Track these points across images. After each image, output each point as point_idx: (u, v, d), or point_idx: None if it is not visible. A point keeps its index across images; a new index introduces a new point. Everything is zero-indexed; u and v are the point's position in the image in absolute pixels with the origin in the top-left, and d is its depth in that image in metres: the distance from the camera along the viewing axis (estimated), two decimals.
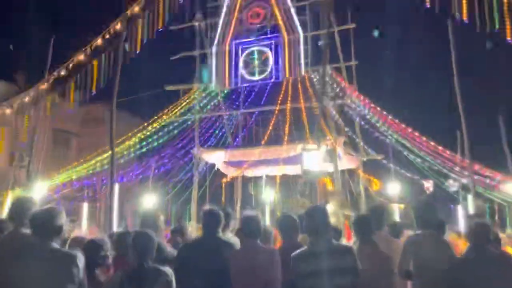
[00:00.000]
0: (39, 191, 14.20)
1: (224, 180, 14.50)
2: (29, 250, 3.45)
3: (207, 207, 4.68)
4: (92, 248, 4.35)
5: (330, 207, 8.81)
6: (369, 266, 4.05)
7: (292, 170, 13.55)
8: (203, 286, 4.03)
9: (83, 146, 24.18)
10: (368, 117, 13.07)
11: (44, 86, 16.35)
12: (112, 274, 4.51)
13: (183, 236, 5.74)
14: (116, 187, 8.66)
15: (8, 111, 17.02)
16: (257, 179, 18.25)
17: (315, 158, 8.93)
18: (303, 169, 9.15)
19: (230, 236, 5.21)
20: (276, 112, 13.28)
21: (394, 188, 16.93)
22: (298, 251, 3.87)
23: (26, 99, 15.80)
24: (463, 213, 10.73)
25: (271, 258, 4.11)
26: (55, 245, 3.45)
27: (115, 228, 8.38)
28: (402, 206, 14.80)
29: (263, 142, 12.79)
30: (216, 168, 15.51)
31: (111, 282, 4.02)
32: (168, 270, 3.77)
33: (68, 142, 27.11)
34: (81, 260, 3.46)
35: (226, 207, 5.45)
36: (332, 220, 4.55)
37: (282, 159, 12.32)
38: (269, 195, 17.42)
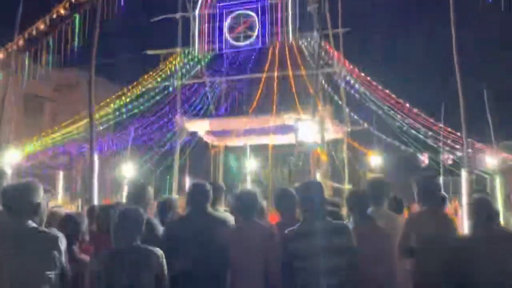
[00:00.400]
0: (10, 160, 13.50)
1: (213, 151, 14.07)
2: (0, 231, 2.99)
3: (194, 180, 4.30)
4: (69, 223, 3.93)
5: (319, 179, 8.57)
6: (368, 245, 3.76)
7: (283, 140, 13.18)
8: (195, 269, 3.65)
9: (57, 112, 23.22)
10: (356, 86, 12.71)
11: (14, 46, 15.35)
12: (91, 253, 4.12)
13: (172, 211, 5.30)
14: (96, 157, 8.12)
15: None
16: (239, 149, 17.88)
17: (310, 129, 8.48)
18: (297, 140, 8.62)
19: (221, 211, 4.84)
20: (263, 80, 12.76)
21: (376, 159, 16.87)
22: (290, 229, 3.62)
23: None
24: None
25: (271, 237, 3.77)
26: (32, 224, 2.99)
27: (95, 201, 7.90)
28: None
29: (250, 111, 12.31)
30: (197, 138, 15.03)
31: (94, 263, 3.62)
32: (158, 251, 3.38)
33: (41, 108, 26.04)
34: (62, 242, 3.02)
35: (216, 180, 5.00)
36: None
37: (272, 128, 11.91)
38: (251, 167, 17.14)
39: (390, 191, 5.06)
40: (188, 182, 16.12)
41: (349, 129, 14.93)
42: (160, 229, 4.08)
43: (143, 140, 14.11)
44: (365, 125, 13.68)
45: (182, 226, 4.01)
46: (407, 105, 11.44)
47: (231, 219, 4.45)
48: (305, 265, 3.52)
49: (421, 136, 12.36)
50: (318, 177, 8.84)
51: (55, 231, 3.09)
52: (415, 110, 11.42)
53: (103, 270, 3.30)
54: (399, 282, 4.68)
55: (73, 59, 14.14)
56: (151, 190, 4.58)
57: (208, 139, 15.54)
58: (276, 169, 14.23)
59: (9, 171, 4.15)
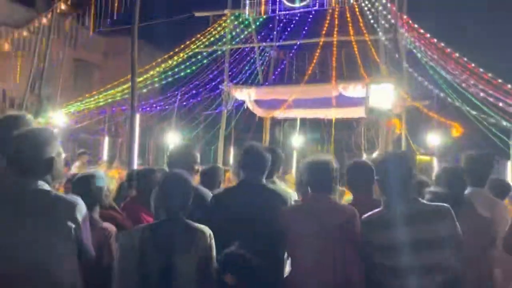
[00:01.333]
0: (58, 123, 13.37)
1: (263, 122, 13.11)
2: (2, 192, 2.30)
3: (248, 143, 3.49)
4: (87, 184, 3.10)
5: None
6: (464, 234, 2.87)
7: (344, 113, 12.06)
8: (247, 251, 2.86)
9: (106, 79, 23.21)
10: (419, 55, 11.31)
11: (62, 8, 15.09)
12: (124, 224, 3.44)
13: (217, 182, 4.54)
14: (137, 118, 7.50)
15: (25, 34, 15.93)
16: (290, 123, 16.98)
17: (385, 93, 7.15)
18: (367, 107, 7.29)
19: (279, 184, 4.02)
20: (320, 45, 11.62)
21: (433, 139, 15.43)
22: (370, 213, 2.88)
23: (44, 21, 14.59)
24: None
25: (352, 221, 2.92)
26: (44, 185, 2.29)
27: (135, 165, 7.31)
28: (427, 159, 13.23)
29: (305, 78, 11.24)
30: (245, 107, 14.24)
31: (125, 236, 2.92)
32: (207, 230, 2.67)
33: (90, 74, 26.31)
34: (81, 210, 2.31)
35: (274, 146, 4.09)
36: None
37: (335, 98, 10.84)
38: (299, 141, 16.21)
39: (491, 170, 4.06)
40: (233, 153, 15.54)
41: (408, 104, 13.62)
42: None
43: (188, 107, 13.47)
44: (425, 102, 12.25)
45: (231, 199, 3.24)
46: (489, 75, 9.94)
47: (293, 195, 3.64)
48: (394, 262, 2.65)
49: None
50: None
51: (73, 197, 2.38)
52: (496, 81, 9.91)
53: (135, 247, 2.61)
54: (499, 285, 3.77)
55: (121, 24, 13.71)
56: (197, 155, 3.82)
57: (255, 109, 14.71)
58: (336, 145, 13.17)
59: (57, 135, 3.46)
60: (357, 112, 11.94)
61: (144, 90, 12.20)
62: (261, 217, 3.01)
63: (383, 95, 6.71)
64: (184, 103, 12.97)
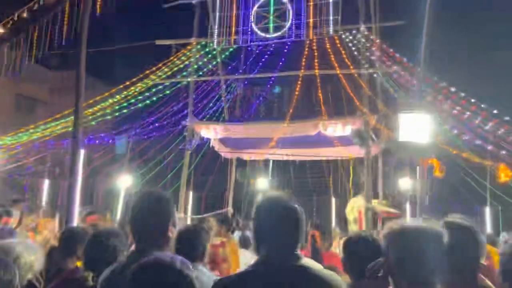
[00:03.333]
0: None
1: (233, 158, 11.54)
2: None
3: (268, 193, 2.16)
4: None
5: None
6: None
7: (332, 152, 10.77)
8: None
9: (51, 115, 21.13)
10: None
11: None
12: None
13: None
14: (82, 153, 5.75)
15: None
16: (254, 163, 15.55)
17: (417, 123, 5.69)
18: (396, 140, 5.75)
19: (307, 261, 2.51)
20: (300, 77, 10.43)
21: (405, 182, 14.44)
22: None
23: None
24: None
25: None
26: None
27: (75, 218, 5.47)
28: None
29: (288, 116, 9.92)
30: (210, 145, 12.70)
31: None
32: None
33: (33, 109, 24.14)
34: None
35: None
36: None
37: (322, 136, 9.57)
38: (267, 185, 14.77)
39: None
40: (191, 199, 13.87)
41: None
42: None
43: (144, 144, 11.69)
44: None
45: None
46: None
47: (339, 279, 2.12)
48: None
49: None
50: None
51: None
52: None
53: None
54: None
55: (73, 61, 11.96)
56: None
57: (220, 148, 13.22)
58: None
59: None
60: (342, 152, 10.79)
61: (93, 123, 10.38)
62: None
63: (416, 126, 5.37)
64: (143, 137, 11.21)
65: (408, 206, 10.87)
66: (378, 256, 2.01)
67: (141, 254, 2.03)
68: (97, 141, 10.41)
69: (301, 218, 2.00)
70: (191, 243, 3.14)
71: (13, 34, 13.38)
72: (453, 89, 8.81)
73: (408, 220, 1.95)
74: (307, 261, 2.24)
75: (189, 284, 1.29)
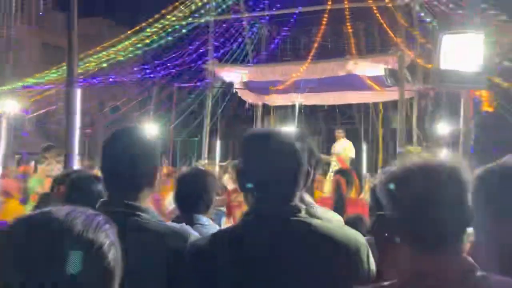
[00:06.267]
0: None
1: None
2: None
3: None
4: None
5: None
6: None
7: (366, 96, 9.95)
8: None
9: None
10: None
11: None
12: None
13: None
14: (78, 93, 5.29)
15: None
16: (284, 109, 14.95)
17: (468, 47, 4.63)
18: (437, 69, 4.70)
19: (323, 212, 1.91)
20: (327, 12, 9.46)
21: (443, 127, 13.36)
22: None
23: None
24: None
25: None
26: None
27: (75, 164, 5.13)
28: None
29: (311, 54, 9.09)
30: (234, 91, 12.11)
31: None
32: None
33: (60, 60, 24.12)
34: None
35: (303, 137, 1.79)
36: None
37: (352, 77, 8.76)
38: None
39: None
40: (219, 147, 13.56)
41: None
42: None
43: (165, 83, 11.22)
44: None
45: (231, 258, 1.36)
46: None
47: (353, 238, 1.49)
48: None
49: None
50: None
51: None
52: None
53: None
54: None
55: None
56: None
57: (245, 94, 12.61)
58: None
59: None
60: (373, 96, 9.99)
61: (105, 65, 9.92)
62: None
63: (464, 50, 4.33)
64: (161, 75, 10.67)
65: (446, 153, 10.06)
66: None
67: (108, 206, 1.55)
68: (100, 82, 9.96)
69: (300, 158, 1.41)
70: (190, 190, 2.62)
71: None
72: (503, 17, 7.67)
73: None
74: (315, 212, 1.68)
75: (88, 253, 0.74)
